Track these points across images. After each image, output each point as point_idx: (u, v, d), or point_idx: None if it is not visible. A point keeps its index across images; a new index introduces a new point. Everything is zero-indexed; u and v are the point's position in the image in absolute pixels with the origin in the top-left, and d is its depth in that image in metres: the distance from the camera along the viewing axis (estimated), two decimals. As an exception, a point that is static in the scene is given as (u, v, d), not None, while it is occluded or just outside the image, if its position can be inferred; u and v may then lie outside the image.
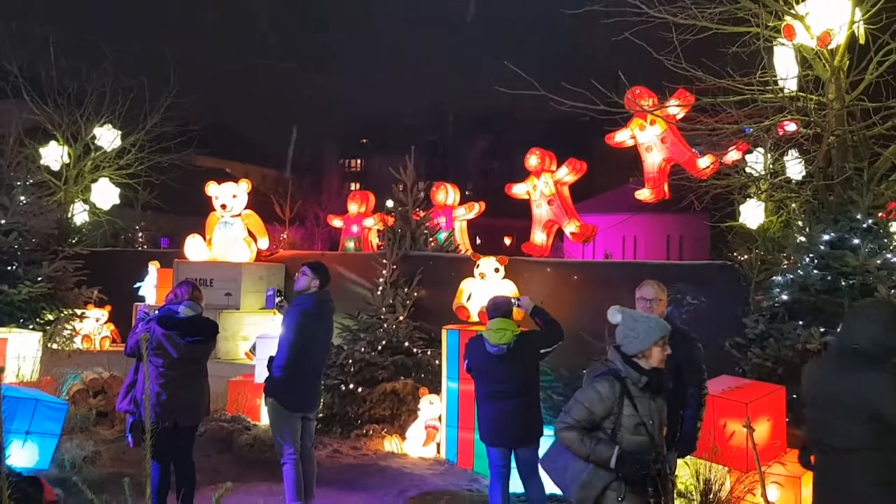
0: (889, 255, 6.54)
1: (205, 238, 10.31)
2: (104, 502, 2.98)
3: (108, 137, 13.86)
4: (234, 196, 10.21)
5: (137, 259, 11.56)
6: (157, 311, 5.75)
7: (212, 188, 10.33)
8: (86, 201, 13.57)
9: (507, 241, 31.86)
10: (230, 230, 10.16)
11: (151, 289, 10.77)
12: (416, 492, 6.55)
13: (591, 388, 3.94)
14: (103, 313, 10.86)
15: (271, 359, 5.92)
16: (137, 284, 11.04)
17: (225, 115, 46.42)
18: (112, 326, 10.92)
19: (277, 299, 6.35)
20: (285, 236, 11.81)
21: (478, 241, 31.57)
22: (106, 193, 13.44)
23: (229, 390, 8.61)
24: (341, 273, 9.59)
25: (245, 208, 10.35)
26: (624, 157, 9.77)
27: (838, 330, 4.00)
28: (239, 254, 9.99)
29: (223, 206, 10.16)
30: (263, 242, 10.37)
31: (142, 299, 10.80)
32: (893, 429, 3.34)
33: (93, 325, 10.69)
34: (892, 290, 6.39)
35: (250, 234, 10.26)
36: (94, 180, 13.70)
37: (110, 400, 8.06)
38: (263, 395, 6.01)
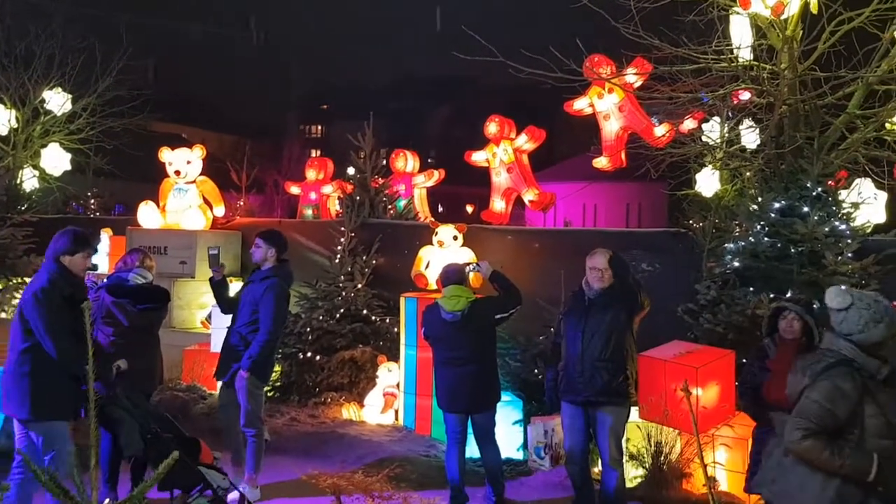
0: (837, 223, 6.69)
1: (158, 205, 10.12)
2: (50, 475, 2.93)
3: (57, 101, 13.38)
4: (189, 162, 10.01)
5: (89, 226, 11.28)
6: (105, 280, 5.64)
7: (165, 154, 10.12)
8: (35, 167, 13.16)
9: (470, 209, 31.85)
10: (184, 197, 9.99)
11: (104, 256, 10.53)
12: (374, 458, 6.59)
13: (828, 384, 3.23)
14: (54, 282, 10.62)
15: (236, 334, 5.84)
16: (89, 252, 10.79)
17: (183, 80, 45.36)
18: (64, 295, 10.69)
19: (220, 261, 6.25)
20: (242, 203, 11.62)
21: (440, 209, 31.56)
22: (56, 159, 13.03)
23: (184, 359, 8.54)
24: (299, 241, 9.50)
25: (200, 175, 10.17)
26: (586, 125, 9.78)
27: None
28: (194, 221, 9.84)
29: (177, 173, 9.96)
30: (219, 210, 10.21)
31: (94, 267, 10.55)
32: None
33: (43, 294, 10.44)
34: (839, 257, 6.56)
35: (205, 201, 10.10)
36: (44, 145, 13.25)
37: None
38: (242, 373, 5.76)
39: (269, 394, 8.48)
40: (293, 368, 8.36)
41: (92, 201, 14.01)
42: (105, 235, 10.67)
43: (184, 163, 10.00)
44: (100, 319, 5.41)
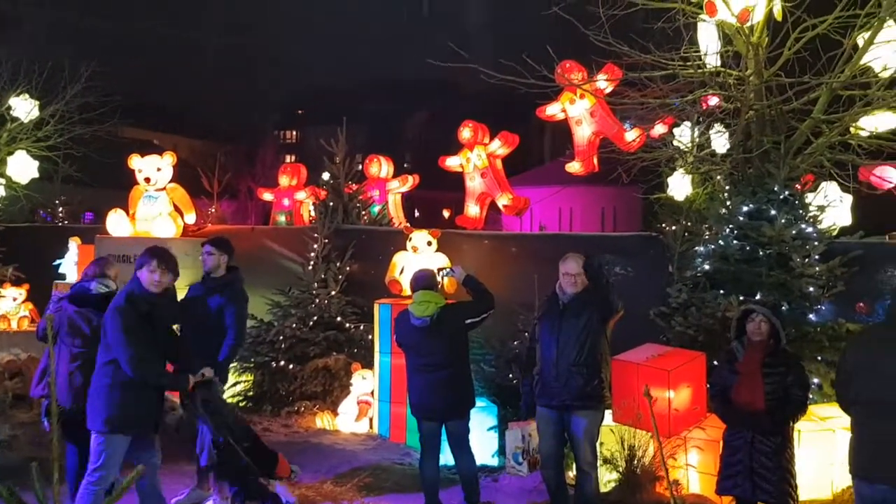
0: (804, 226, 6.80)
1: (128, 213, 9.99)
2: (9, 489, 2.88)
3: (24, 108, 13.17)
4: (159, 169, 9.88)
5: (57, 235, 11.13)
6: (69, 290, 5.55)
7: (135, 161, 9.98)
8: (1, 175, 12.93)
9: (446, 213, 31.88)
10: (154, 204, 9.85)
11: (72, 266, 10.38)
12: (347, 467, 6.54)
13: None
14: (21, 292, 10.44)
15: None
16: (57, 261, 10.63)
17: (155, 86, 44.90)
18: (31, 306, 10.51)
19: None
20: (214, 210, 11.51)
21: (416, 214, 31.53)
22: (23, 166, 12.77)
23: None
24: (272, 248, 9.45)
25: (171, 182, 10.05)
26: (560, 129, 9.84)
27: (890, 304, 4.18)
28: (164, 229, 9.71)
29: (147, 180, 9.83)
30: (190, 217, 10.10)
31: (62, 277, 10.42)
32: None
33: (10, 305, 10.27)
34: (806, 259, 6.66)
35: (176, 208, 9.97)
36: (11, 153, 13.02)
37: (28, 382, 7.78)
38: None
39: (241, 403, 8.44)
40: (266, 377, 8.29)
41: (60, 209, 13.80)
42: (73, 244, 10.51)
43: (154, 170, 9.87)
44: (64, 330, 5.31)
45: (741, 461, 4.79)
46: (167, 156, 10.08)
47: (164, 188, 9.95)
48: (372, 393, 7.83)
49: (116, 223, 9.92)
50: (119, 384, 4.73)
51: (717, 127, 8.42)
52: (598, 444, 5.63)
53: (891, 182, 7.94)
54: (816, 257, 6.73)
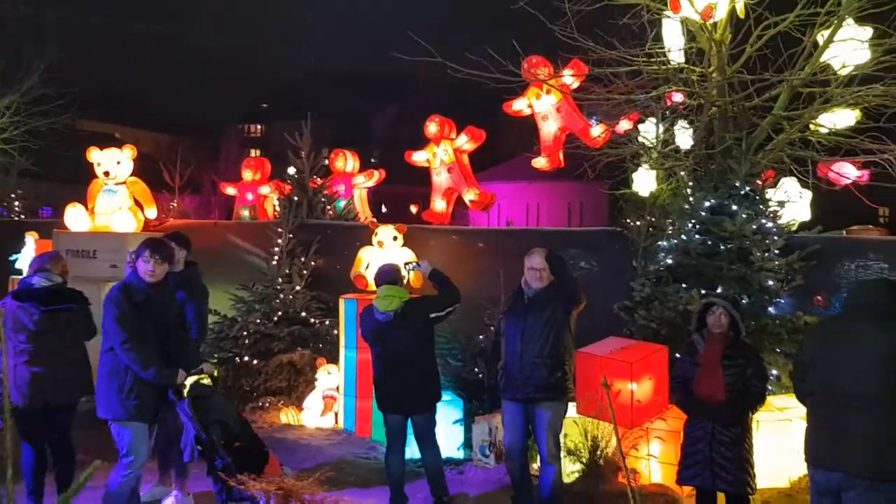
0: (764, 221, 6.91)
1: (87, 207, 9.79)
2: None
3: (-22, 100, 12.87)
4: (119, 162, 9.69)
5: (14, 229, 10.87)
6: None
7: (94, 154, 9.78)
8: (-45, 168, 12.62)
9: (414, 209, 31.80)
10: (114, 198, 9.66)
11: (29, 261, 10.14)
12: (312, 462, 6.51)
13: None
14: (-24, 288, 10.19)
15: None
16: (14, 256, 10.38)
17: (116, 79, 44.15)
18: (-13, 301, 10.26)
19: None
20: (175, 205, 11.34)
21: (384, 210, 31.41)
22: (-22, 160, 12.53)
23: (117, 365, 8.27)
24: (235, 243, 9.34)
25: (131, 175, 9.87)
26: (528, 125, 9.86)
27: (848, 296, 4.24)
28: (124, 223, 9.53)
29: (106, 174, 9.64)
30: (151, 211, 9.93)
31: (19, 272, 10.18)
32: None
33: (-36, 301, 10.01)
34: (766, 254, 6.77)
35: (136, 202, 9.80)
36: (-35, 146, 12.74)
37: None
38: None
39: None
40: (230, 373, 8.19)
41: (17, 203, 13.47)
42: (31, 239, 10.27)
43: (113, 163, 9.69)
44: (9, 327, 5.21)
45: (701, 451, 4.86)
46: (127, 149, 9.90)
47: (123, 182, 9.77)
48: (337, 388, 7.79)
49: (75, 217, 9.72)
50: (118, 372, 4.82)
51: (682, 123, 8.52)
52: (561, 436, 5.67)
53: (848, 178, 8.11)
54: (776, 252, 6.85)
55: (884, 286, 4.03)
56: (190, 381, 5.00)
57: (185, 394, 4.93)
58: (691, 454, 4.94)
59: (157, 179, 11.94)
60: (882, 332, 3.78)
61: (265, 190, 11.06)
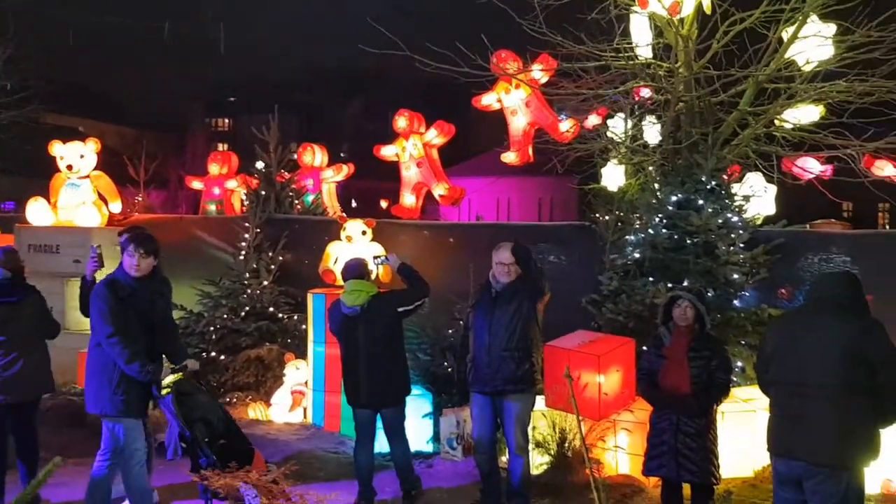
0: (729, 215, 6.99)
1: (49, 201, 9.60)
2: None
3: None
4: (82, 156, 9.54)
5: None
6: None
7: (56, 148, 9.61)
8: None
9: (384, 203, 31.67)
10: (77, 193, 9.50)
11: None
12: (280, 457, 6.44)
13: None
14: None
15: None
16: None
17: (81, 71, 43.30)
18: (-55, 298, 10.00)
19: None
20: (140, 199, 11.17)
21: (353, 204, 31.18)
22: (-64, 153, 12.22)
23: (79, 362, 8.12)
24: (202, 238, 9.22)
25: (95, 169, 9.71)
26: (498, 120, 9.85)
27: (811, 288, 4.30)
28: (88, 218, 9.38)
29: (69, 167, 9.48)
30: (115, 206, 9.78)
31: None
32: (873, 370, 3.69)
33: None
34: (731, 247, 6.85)
35: (100, 196, 9.64)
36: (-78, 138, 12.41)
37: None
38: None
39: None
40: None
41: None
42: (-9, 234, 10.05)
43: (76, 157, 9.53)
44: None
45: (666, 442, 4.90)
46: (90, 142, 9.74)
47: (87, 176, 9.61)
48: (306, 383, 7.74)
49: (37, 212, 9.54)
50: (107, 367, 4.74)
51: (650, 118, 8.58)
52: (530, 429, 5.70)
53: (812, 173, 8.24)
54: (741, 245, 6.94)
55: (845, 279, 4.09)
56: (171, 378, 4.89)
57: (169, 390, 4.85)
58: (657, 445, 4.99)
59: (121, 173, 11.75)
60: (844, 323, 3.84)
61: (232, 184, 10.93)
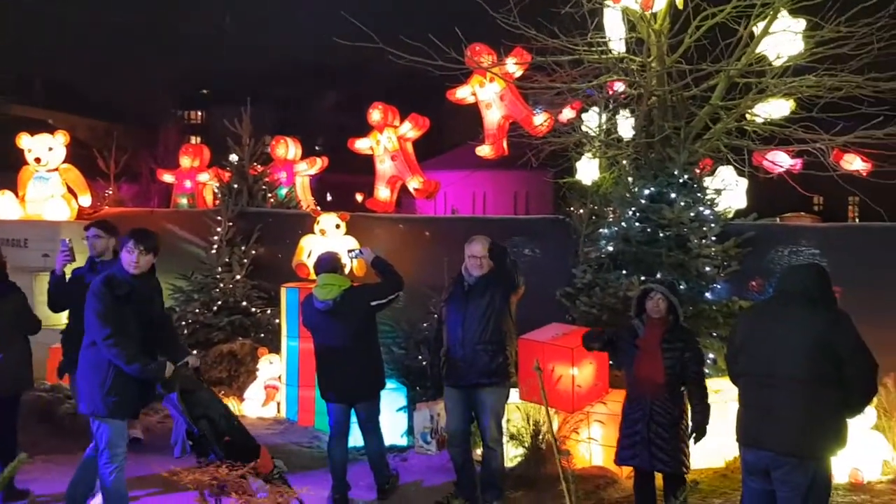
0: (701, 209, 7.05)
1: (17, 194, 9.44)
2: None
3: None
4: (50, 149, 9.40)
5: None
6: None
7: (24, 140, 9.46)
8: None
9: (359, 197, 31.52)
10: (46, 186, 9.37)
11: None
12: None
13: None
14: None
15: None
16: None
17: (51, 63, 42.59)
18: None
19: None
20: (110, 192, 11.02)
21: (328, 198, 30.98)
22: None
23: (49, 358, 8.00)
24: (173, 231, 9.12)
25: (64, 162, 9.57)
26: (474, 113, 9.84)
27: (780, 280, 4.32)
28: (56, 211, 9.24)
29: (37, 160, 9.34)
30: (85, 199, 9.64)
31: None
32: (840, 361, 3.74)
33: None
34: (703, 240, 6.92)
35: (70, 190, 9.51)
36: None
37: None
38: None
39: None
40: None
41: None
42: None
43: (45, 149, 9.39)
44: None
45: (639, 432, 4.93)
46: (59, 135, 9.61)
47: (56, 169, 9.48)
48: (279, 377, 7.69)
49: (5, 205, 9.39)
50: (100, 367, 4.64)
51: (624, 112, 8.63)
52: (504, 421, 5.71)
53: (782, 167, 8.34)
54: (713, 238, 7.00)
55: (814, 271, 4.14)
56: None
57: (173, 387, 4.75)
58: (630, 435, 5.02)
59: (91, 167, 11.60)
60: (812, 315, 3.88)
61: (204, 177, 10.83)
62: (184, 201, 11.05)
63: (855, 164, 8.06)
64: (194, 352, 5.89)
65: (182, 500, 4.96)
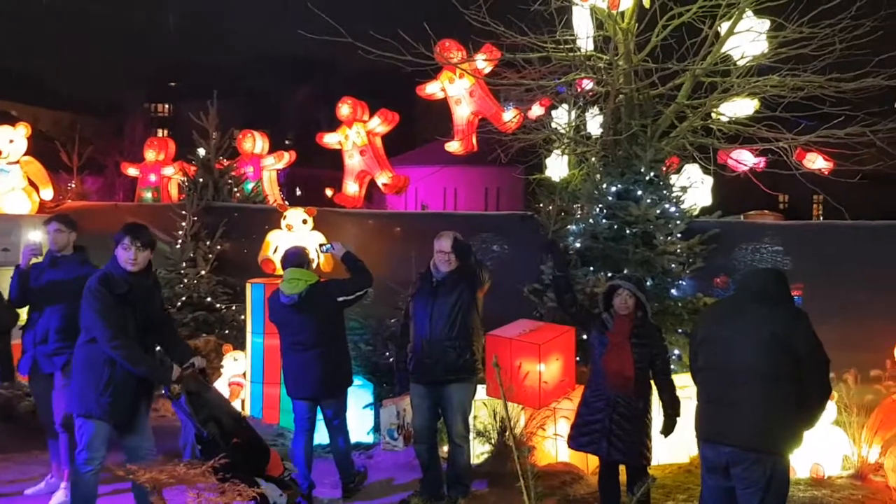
0: (667, 206, 7.12)
1: (-24, 188, 9.22)
2: None
3: None
4: (11, 141, 9.21)
5: None
6: None
7: (-16, 132, 9.23)
8: None
9: (329, 192, 31.33)
10: (6, 179, 9.16)
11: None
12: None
13: None
14: None
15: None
16: None
17: (14, 53, 41.66)
18: None
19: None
20: (73, 185, 10.82)
21: (298, 192, 30.72)
22: None
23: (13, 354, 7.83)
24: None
25: (26, 154, 9.37)
26: (445, 109, 9.82)
27: (740, 281, 4.43)
28: (17, 205, 9.06)
29: (-3, 153, 9.12)
30: (47, 192, 9.45)
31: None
32: (797, 358, 3.80)
33: None
34: (669, 237, 6.98)
35: (31, 183, 9.31)
36: None
37: None
38: None
39: (105, 388, 8.03)
40: (131, 361, 7.88)
41: None
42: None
43: (6, 142, 9.19)
44: None
45: (600, 422, 4.94)
46: (21, 127, 9.42)
47: (17, 161, 9.27)
48: (244, 374, 7.61)
49: (-37, 199, 9.15)
50: (95, 366, 4.46)
51: (593, 110, 8.67)
52: (471, 418, 5.71)
53: (746, 165, 8.46)
54: (678, 235, 7.07)
55: (774, 274, 4.21)
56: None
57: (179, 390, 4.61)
58: (589, 423, 5.02)
59: (55, 159, 11.37)
60: (771, 312, 3.94)
61: (169, 171, 10.68)
62: (148, 195, 10.89)
63: (817, 162, 8.20)
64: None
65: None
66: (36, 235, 5.45)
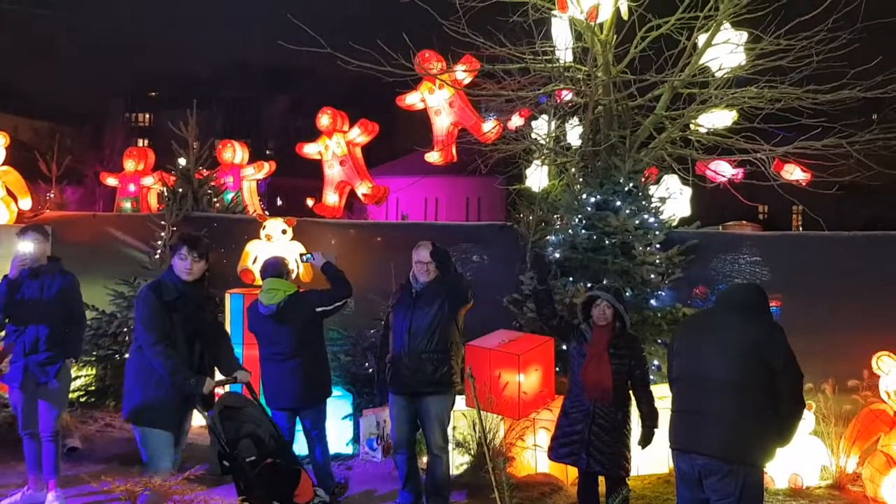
0: (646, 216, 7.16)
1: (-47, 198, 9.10)
2: None
3: None
4: (-13, 150, 9.07)
5: None
6: None
7: (-41, 141, 9.11)
8: None
9: (310, 202, 31.25)
10: (-17, 188, 9.04)
11: None
12: (195, 461, 6.24)
13: None
14: None
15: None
16: None
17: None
18: None
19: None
20: (52, 195, 10.70)
21: (279, 202, 30.59)
22: None
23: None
24: (115, 236, 8.89)
25: (3, 164, 9.26)
26: (426, 120, 9.83)
27: (720, 295, 4.41)
28: (-6, 214, 8.93)
29: (-26, 162, 9.01)
30: (25, 202, 9.34)
31: None
32: (772, 371, 3.83)
33: None
34: (647, 248, 7.02)
35: (9, 192, 9.20)
36: None
37: None
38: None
39: (82, 399, 7.94)
40: (108, 371, 7.83)
41: None
42: None
43: (-18, 151, 9.05)
44: None
45: (579, 433, 4.95)
46: None
47: (-6, 171, 9.15)
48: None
49: (-62, 208, 9.02)
50: (144, 372, 4.52)
51: (573, 120, 8.72)
52: (450, 429, 5.69)
53: (724, 176, 8.52)
54: (657, 246, 7.11)
55: (754, 289, 4.24)
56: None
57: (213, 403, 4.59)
58: (569, 433, 5.03)
59: (34, 169, 11.25)
60: (748, 324, 3.96)
61: (148, 181, 10.60)
62: (127, 205, 10.80)
63: (795, 173, 8.28)
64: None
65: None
66: (26, 246, 5.44)
